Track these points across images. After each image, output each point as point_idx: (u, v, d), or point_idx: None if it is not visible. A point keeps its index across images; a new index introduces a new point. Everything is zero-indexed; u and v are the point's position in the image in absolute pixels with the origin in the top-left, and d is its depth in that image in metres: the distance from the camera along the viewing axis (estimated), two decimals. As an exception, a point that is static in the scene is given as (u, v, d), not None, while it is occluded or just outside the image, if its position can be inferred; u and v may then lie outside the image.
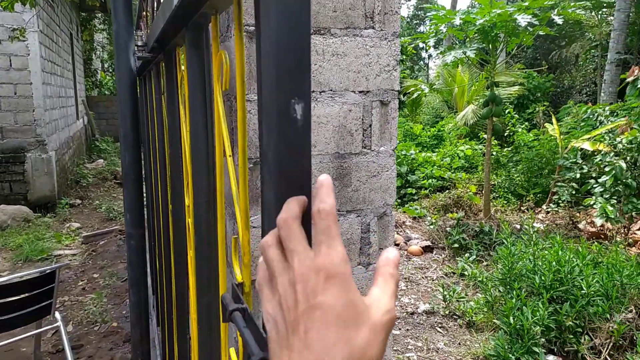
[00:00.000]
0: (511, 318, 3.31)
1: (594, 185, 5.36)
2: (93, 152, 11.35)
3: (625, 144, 5.19)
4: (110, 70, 16.49)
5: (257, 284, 0.42)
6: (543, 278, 3.59)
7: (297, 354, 0.34)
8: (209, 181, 0.80)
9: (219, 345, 0.82)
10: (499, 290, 3.97)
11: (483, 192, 6.85)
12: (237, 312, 0.49)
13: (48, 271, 2.40)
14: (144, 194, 1.53)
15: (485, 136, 8.97)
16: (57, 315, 2.54)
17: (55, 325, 2.55)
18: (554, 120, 7.40)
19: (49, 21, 7.63)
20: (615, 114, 7.84)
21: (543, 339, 3.31)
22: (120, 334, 3.30)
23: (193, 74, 0.79)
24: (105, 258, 4.90)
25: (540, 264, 3.74)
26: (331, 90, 1.39)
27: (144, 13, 1.77)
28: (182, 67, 0.98)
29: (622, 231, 5.44)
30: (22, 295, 2.31)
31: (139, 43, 1.27)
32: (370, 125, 1.46)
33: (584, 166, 5.98)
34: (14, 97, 6.67)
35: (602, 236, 5.59)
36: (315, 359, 0.33)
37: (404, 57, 14.93)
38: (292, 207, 0.39)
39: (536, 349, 3.18)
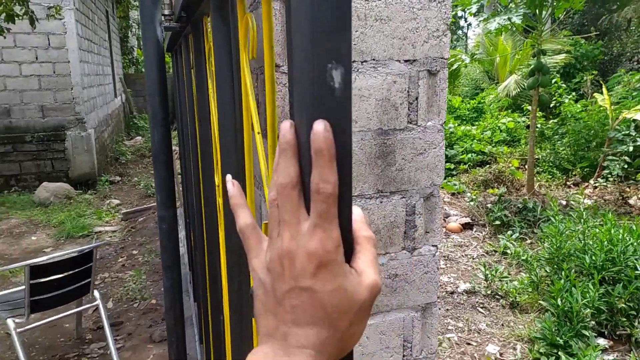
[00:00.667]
0: (559, 300, 3.15)
1: (649, 159, 5.02)
2: (131, 129, 11.55)
3: (686, 114, 4.82)
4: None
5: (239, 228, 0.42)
6: (594, 258, 3.39)
7: (282, 324, 0.35)
8: (238, 160, 0.75)
9: (249, 325, 0.82)
10: (546, 270, 3.79)
11: (526, 166, 6.56)
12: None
13: (86, 250, 2.40)
14: (180, 172, 1.48)
15: (529, 108, 8.58)
16: (96, 293, 2.56)
17: (94, 303, 2.57)
18: (604, 89, 6.97)
19: (84, -1, 7.68)
20: (670, 82, 7.33)
21: (593, 322, 3.14)
22: (159, 311, 3.33)
23: (219, 43, 0.72)
24: (144, 235, 4.97)
25: (590, 242, 3.54)
26: (374, 59, 1.27)
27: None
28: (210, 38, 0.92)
29: (679, 207, 5.11)
30: (61, 275, 2.32)
31: (166, 12, 1.18)
32: (416, 98, 1.33)
33: (638, 138, 5.62)
34: (53, 75, 6.77)
35: (656, 213, 5.27)
36: (302, 334, 0.34)
37: (442, 26, 14.37)
38: (291, 172, 0.35)
39: (586, 332, 3.02)
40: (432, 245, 1.46)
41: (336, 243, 0.34)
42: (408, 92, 1.32)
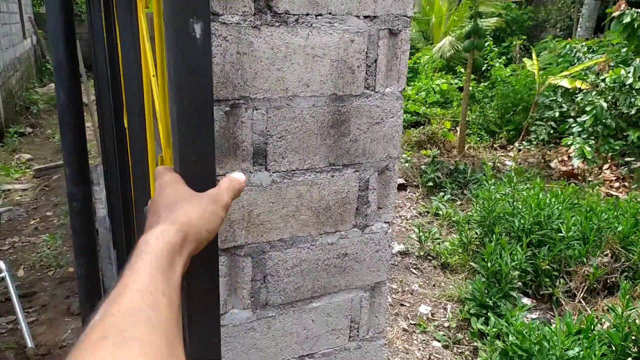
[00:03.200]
0: (489, 262, 3.24)
1: (572, 125, 5.26)
2: (44, 75, 10.51)
3: (609, 83, 5.04)
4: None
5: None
6: (522, 221, 3.51)
7: (150, 219, 0.52)
8: (140, 101, 0.80)
9: None
10: (476, 232, 3.90)
11: (458, 128, 6.70)
12: None
13: (-13, 218, 2.09)
14: (98, 124, 1.30)
15: (462, 70, 8.70)
16: (1, 264, 2.27)
17: (0, 274, 2.28)
18: (534, 55, 7.17)
19: None
20: (592, 50, 7.67)
21: (519, 283, 3.28)
22: (78, 279, 3.06)
23: None
24: (60, 194, 4.55)
25: (520, 206, 3.65)
26: (330, 13, 1.09)
27: None
28: None
29: (595, 171, 5.44)
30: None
31: None
32: (375, 61, 1.17)
33: (563, 104, 5.86)
34: (-54, 10, 5.90)
35: (574, 176, 5.58)
36: (151, 222, 0.51)
37: (379, -19, 14.15)
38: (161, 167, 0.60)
39: (513, 293, 3.15)
40: (385, 222, 1.35)
41: (168, 176, 0.55)
42: (367, 53, 1.16)
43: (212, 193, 0.52)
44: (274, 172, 0.99)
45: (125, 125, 0.99)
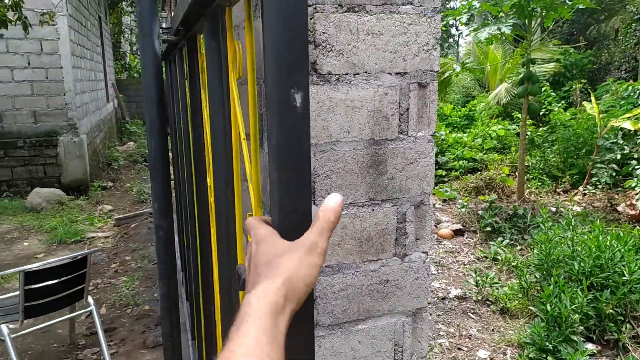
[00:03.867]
0: (548, 305, 3.19)
1: (636, 167, 5.11)
2: (124, 134, 11.52)
3: (671, 123, 4.91)
4: (139, 53, 16.64)
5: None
6: (582, 264, 3.45)
7: (250, 280, 0.50)
8: (228, 162, 0.85)
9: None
10: (535, 277, 3.84)
11: (517, 173, 6.64)
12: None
13: (80, 256, 2.41)
14: (172, 178, 1.51)
15: (519, 115, 8.68)
16: (90, 299, 2.57)
17: (88, 309, 2.58)
18: (592, 98, 7.08)
19: (77, 4, 7.68)
20: (657, 91, 7.45)
21: (582, 327, 3.20)
22: (152, 316, 3.34)
23: (211, 60, 0.81)
24: (137, 241, 4.97)
25: (579, 249, 3.60)
26: (366, 72, 1.30)
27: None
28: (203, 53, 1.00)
29: (665, 214, 5.19)
30: (56, 280, 2.33)
31: (164, 25, 1.21)
32: (407, 109, 1.37)
33: (625, 146, 5.71)
34: (46, 81, 6.77)
35: (643, 219, 5.35)
36: (253, 282, 0.49)
37: (434, 34, 14.50)
38: (252, 218, 0.57)
39: (574, 337, 3.07)
40: (423, 252, 1.49)
41: (264, 229, 0.53)
42: (399, 103, 1.36)
43: (308, 242, 0.49)
44: (321, 207, 1.18)
45: (209, 183, 1.02)
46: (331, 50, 1.21)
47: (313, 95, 1.12)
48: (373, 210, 1.41)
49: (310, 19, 1.02)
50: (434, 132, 1.44)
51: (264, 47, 0.45)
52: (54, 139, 6.88)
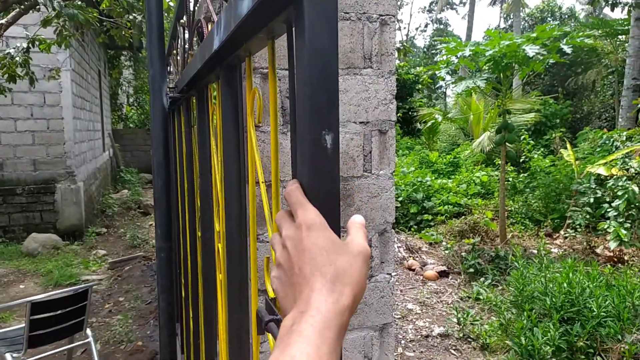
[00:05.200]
0: (522, 338, 3.38)
1: (608, 210, 5.41)
2: (118, 182, 11.75)
3: (638, 168, 5.26)
4: (135, 105, 17.14)
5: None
6: (554, 299, 3.65)
7: (297, 286, 0.43)
8: (241, 206, 0.86)
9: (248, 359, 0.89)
10: (512, 313, 4.03)
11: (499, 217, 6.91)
12: (272, 322, 0.55)
13: (81, 290, 2.60)
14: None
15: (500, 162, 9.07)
16: (89, 331, 2.73)
17: (86, 341, 2.74)
18: (568, 145, 7.48)
19: (80, 60, 8.12)
20: (631, 139, 7.89)
21: (554, 359, 3.36)
22: (145, 352, 3.47)
23: (226, 108, 0.87)
24: (130, 282, 5.12)
25: (551, 285, 3.81)
26: (335, 121, 1.59)
27: (174, 51, 1.99)
28: (214, 102, 1.05)
29: (633, 253, 5.45)
30: (57, 312, 2.51)
31: (170, 85, 1.49)
32: (370, 152, 1.65)
33: (598, 191, 6.04)
34: (47, 131, 7.07)
35: (618, 260, 5.59)
36: (310, 282, 0.42)
37: (420, 86, 15.19)
38: (281, 212, 0.50)
39: (548, 370, 3.24)
40: (387, 274, 1.73)
41: (315, 212, 0.45)
42: (363, 147, 1.64)
43: (364, 250, 0.45)
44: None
45: (217, 229, 1.02)
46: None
47: (289, 140, 1.36)
48: (343, 236, 1.68)
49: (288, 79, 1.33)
50: (394, 171, 1.71)
51: (295, 90, 0.47)
52: (52, 186, 7.11)
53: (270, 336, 0.57)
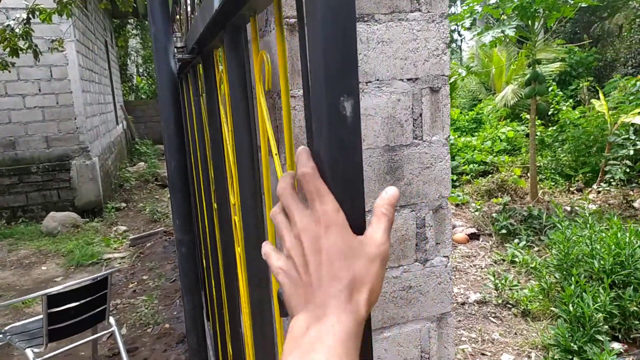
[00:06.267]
0: (571, 305, 3.15)
1: (650, 161, 5.06)
2: (134, 155, 11.63)
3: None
4: (145, 75, 16.84)
5: (263, 253, 0.47)
6: (602, 262, 3.40)
7: (310, 288, 0.41)
8: (255, 179, 0.80)
9: (272, 339, 0.85)
10: (555, 277, 3.80)
11: (528, 174, 6.60)
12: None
13: (100, 278, 2.43)
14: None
15: (527, 116, 8.65)
16: (112, 320, 2.58)
17: (110, 330, 2.59)
18: (601, 95, 7.04)
19: (84, 30, 7.82)
20: (665, 84, 7.40)
21: (606, 326, 3.15)
22: (173, 335, 3.34)
23: (233, 74, 0.78)
24: (153, 259, 5.00)
25: (598, 247, 3.55)
26: (378, 80, 1.32)
27: (177, 16, 1.75)
28: (221, 68, 0.98)
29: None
30: (77, 303, 2.35)
31: (178, 44, 1.23)
32: (420, 115, 1.38)
33: (638, 142, 5.67)
34: (56, 106, 6.87)
35: (661, 215, 5.28)
36: (325, 287, 0.40)
37: (437, 40, 14.53)
38: (286, 179, 0.45)
39: (600, 337, 3.02)
40: (444, 256, 1.49)
41: (335, 207, 0.40)
42: (412, 109, 1.37)
43: (384, 249, 0.42)
44: (341, 215, 1.18)
45: (232, 202, 0.99)
46: (342, 60, 1.22)
47: None
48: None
49: (321, 30, 1.08)
50: (449, 136, 1.44)
51: (303, 50, 0.42)
52: (66, 162, 6.96)
53: None
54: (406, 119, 1.36)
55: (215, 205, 1.24)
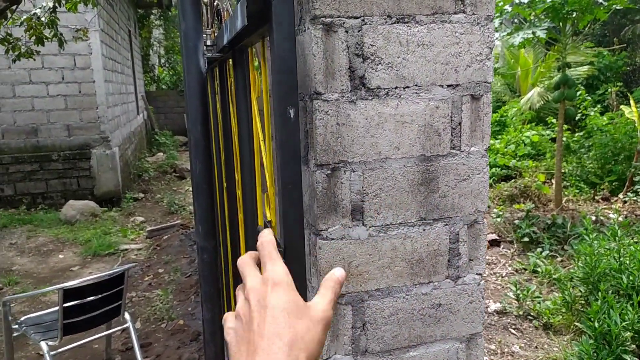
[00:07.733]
0: (596, 322, 3.04)
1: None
2: (153, 145, 11.68)
3: None
4: (167, 66, 16.91)
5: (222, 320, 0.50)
6: (631, 278, 3.27)
7: (252, 344, 0.41)
8: (251, 160, 1.03)
9: None
10: (580, 290, 3.68)
11: (553, 181, 6.44)
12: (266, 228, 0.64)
13: (117, 273, 2.40)
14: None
15: (553, 121, 8.44)
16: (127, 315, 2.55)
17: (125, 325, 2.56)
18: (632, 101, 6.82)
19: (108, 19, 7.84)
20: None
21: (634, 345, 3.02)
22: (187, 332, 3.31)
23: (238, 83, 1.03)
24: (169, 253, 4.98)
25: (627, 262, 3.42)
26: (416, 85, 1.24)
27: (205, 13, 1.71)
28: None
29: None
30: (93, 298, 2.32)
31: (208, 42, 1.17)
32: (459, 123, 1.29)
33: (670, 152, 5.47)
34: (79, 95, 6.91)
35: (692, 228, 5.09)
36: (267, 343, 0.40)
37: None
38: (247, 254, 0.51)
39: (626, 357, 2.91)
40: (477, 274, 1.41)
41: (283, 270, 0.46)
42: (451, 117, 1.28)
43: (327, 318, 0.44)
44: (370, 227, 1.10)
45: (237, 178, 1.17)
46: (380, 63, 1.15)
47: (361, 111, 1.07)
48: (424, 230, 1.33)
49: (358, 31, 0.97)
50: (488, 147, 1.35)
51: (271, 79, 0.64)
52: (87, 151, 7.00)
53: None
54: (444, 128, 1.28)
55: (225, 183, 1.38)
